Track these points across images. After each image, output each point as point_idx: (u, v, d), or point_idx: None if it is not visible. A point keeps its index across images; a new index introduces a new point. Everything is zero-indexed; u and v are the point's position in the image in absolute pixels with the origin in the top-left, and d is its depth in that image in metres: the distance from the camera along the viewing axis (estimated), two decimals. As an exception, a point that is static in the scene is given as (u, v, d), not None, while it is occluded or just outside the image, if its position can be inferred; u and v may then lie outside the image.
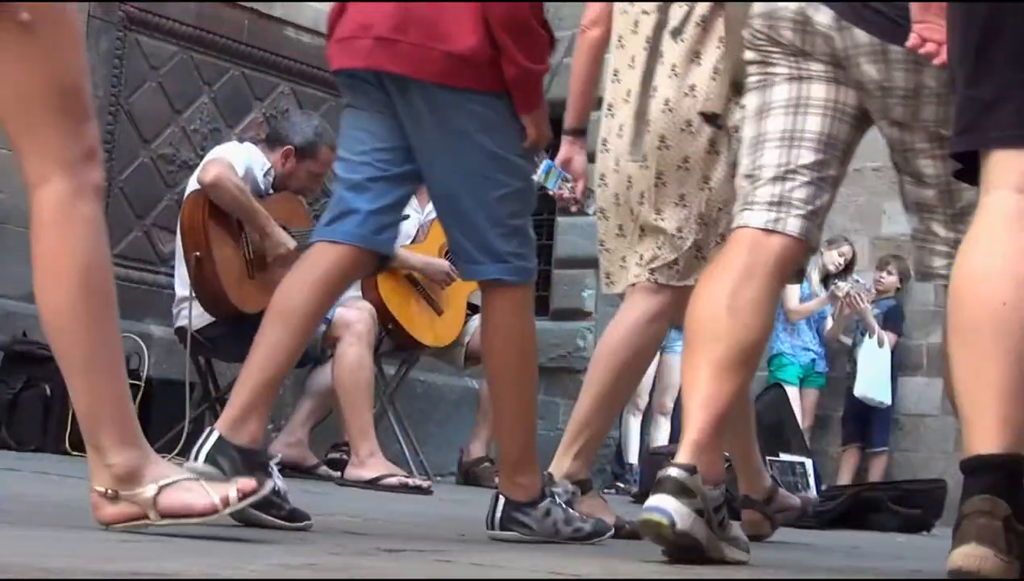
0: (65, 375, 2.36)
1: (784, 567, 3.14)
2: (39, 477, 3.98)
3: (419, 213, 6.21)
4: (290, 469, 5.71)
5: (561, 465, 3.57)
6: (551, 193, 3.91)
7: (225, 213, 5.30)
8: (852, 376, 8.57)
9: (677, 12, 3.57)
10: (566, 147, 3.90)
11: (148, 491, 2.29)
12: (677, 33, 3.56)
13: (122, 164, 6.56)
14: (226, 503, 2.29)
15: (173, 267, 5.63)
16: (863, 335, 8.54)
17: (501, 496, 3.07)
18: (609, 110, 3.72)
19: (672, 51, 3.57)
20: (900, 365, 8.69)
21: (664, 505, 2.53)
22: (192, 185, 5.36)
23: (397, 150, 3.05)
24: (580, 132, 3.85)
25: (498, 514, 3.05)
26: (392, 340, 6.11)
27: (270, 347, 2.95)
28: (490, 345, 3.13)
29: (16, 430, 5.46)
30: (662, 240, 3.62)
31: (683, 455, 2.61)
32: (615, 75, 3.72)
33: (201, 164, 5.46)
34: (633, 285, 3.70)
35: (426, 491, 5.06)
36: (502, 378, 3.12)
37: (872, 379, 8.50)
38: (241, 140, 6.15)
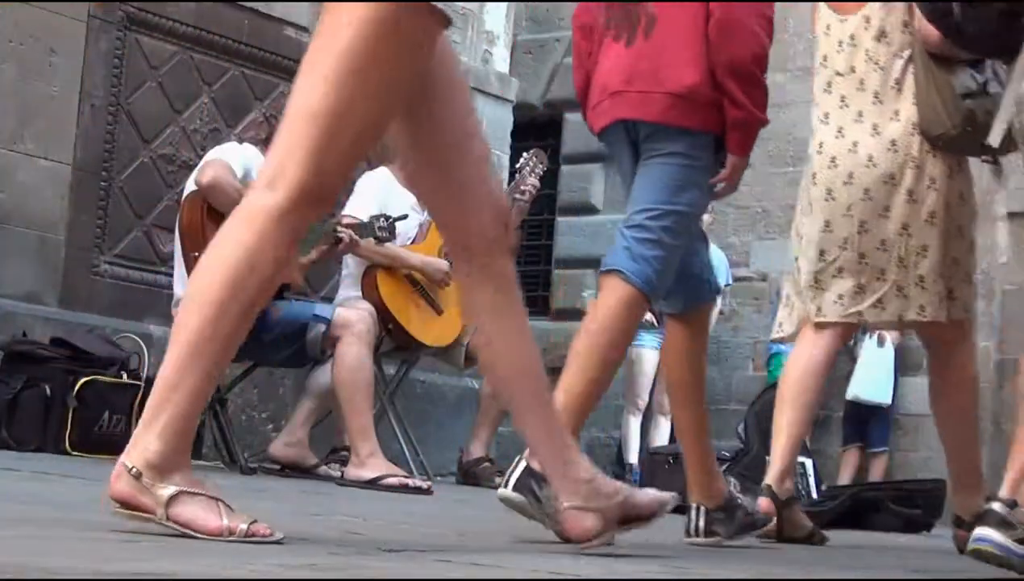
0: (170, 346, 2.36)
1: (784, 567, 3.14)
2: (39, 477, 3.97)
3: (419, 214, 6.20)
4: (290, 469, 5.71)
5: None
6: None
7: (224, 214, 5.28)
8: (852, 375, 8.58)
9: (875, 76, 4.03)
10: None
11: (167, 491, 2.28)
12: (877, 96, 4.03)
13: (122, 164, 6.56)
14: (231, 532, 2.27)
15: (173, 267, 5.63)
16: (863, 333, 8.54)
17: (522, 459, 3.10)
18: (814, 178, 4.15)
19: (872, 112, 4.02)
20: (901, 365, 8.69)
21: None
22: (190, 186, 5.35)
23: None
24: None
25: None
26: (392, 340, 6.11)
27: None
28: (585, 324, 3.29)
29: (16, 430, 5.45)
30: (864, 280, 4.04)
31: None
32: (820, 147, 4.14)
33: (199, 165, 5.46)
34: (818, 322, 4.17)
35: (426, 491, 5.06)
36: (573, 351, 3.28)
37: (869, 379, 8.50)
38: (241, 141, 6.14)
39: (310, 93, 2.35)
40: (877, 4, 4.04)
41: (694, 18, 3.31)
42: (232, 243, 2.35)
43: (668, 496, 2.80)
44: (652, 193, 3.31)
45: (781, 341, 4.45)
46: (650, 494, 2.77)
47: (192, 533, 2.26)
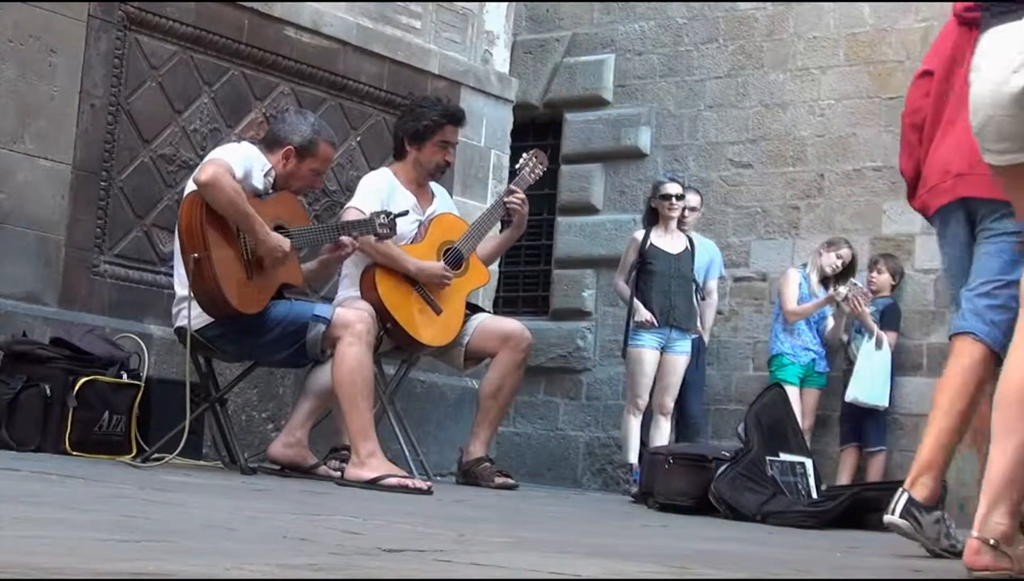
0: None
1: (784, 567, 3.14)
2: (39, 477, 3.98)
3: (419, 214, 6.21)
4: (290, 469, 5.71)
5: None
6: None
7: (220, 213, 5.28)
8: (849, 374, 8.57)
9: None
10: None
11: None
12: None
13: (122, 164, 6.56)
14: None
15: (173, 267, 5.62)
16: (859, 333, 8.54)
17: (905, 491, 3.71)
18: None
19: None
20: (899, 365, 8.69)
21: None
22: (190, 186, 5.35)
23: None
24: None
25: (900, 504, 3.70)
26: (391, 340, 6.11)
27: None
28: (941, 383, 3.84)
29: (16, 430, 5.45)
30: None
31: None
32: None
33: (200, 165, 5.46)
34: None
35: (426, 491, 5.05)
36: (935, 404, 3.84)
37: (866, 382, 8.49)
38: (241, 140, 6.14)
39: None
40: None
41: None
42: None
43: None
44: (996, 267, 3.80)
45: None
46: None
47: None
